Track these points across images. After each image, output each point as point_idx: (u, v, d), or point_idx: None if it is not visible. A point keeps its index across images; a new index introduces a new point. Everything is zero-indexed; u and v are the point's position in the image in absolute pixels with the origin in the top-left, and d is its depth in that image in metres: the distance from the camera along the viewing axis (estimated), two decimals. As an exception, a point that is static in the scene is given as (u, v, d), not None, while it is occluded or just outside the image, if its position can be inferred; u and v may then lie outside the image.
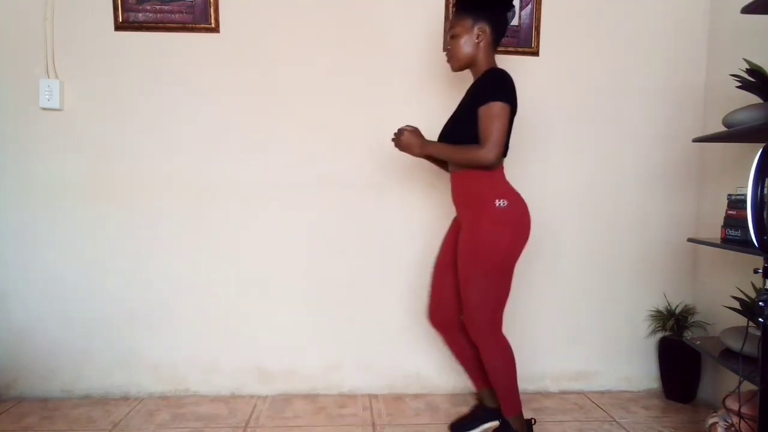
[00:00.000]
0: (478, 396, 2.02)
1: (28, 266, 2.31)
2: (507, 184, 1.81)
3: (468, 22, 1.78)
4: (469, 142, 1.71)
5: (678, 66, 2.45)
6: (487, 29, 1.78)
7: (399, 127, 1.85)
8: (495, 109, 1.66)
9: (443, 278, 1.93)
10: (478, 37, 1.78)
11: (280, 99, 2.34)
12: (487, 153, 1.66)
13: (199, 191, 2.34)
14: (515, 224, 1.76)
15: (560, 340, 2.49)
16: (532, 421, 1.92)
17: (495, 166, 1.72)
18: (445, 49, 1.86)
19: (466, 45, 1.79)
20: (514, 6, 1.84)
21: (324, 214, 2.38)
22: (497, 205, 1.72)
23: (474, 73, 1.85)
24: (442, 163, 1.99)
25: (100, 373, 2.34)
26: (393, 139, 1.85)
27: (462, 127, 1.76)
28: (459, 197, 1.85)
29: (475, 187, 1.77)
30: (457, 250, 1.82)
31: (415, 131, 1.82)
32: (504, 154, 1.78)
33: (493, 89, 1.70)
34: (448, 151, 1.78)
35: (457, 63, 1.83)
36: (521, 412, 1.86)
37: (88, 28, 2.28)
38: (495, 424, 1.93)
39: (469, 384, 2.38)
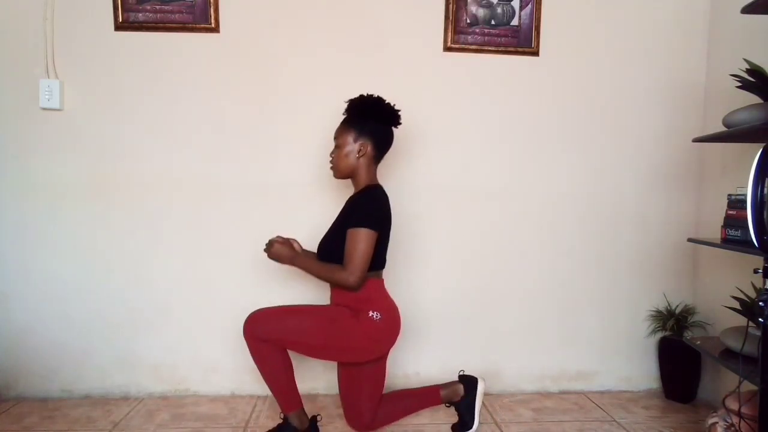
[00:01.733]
0: (446, 400, 1.98)
1: (28, 266, 2.31)
2: (382, 297, 1.83)
3: (351, 135, 1.80)
4: (339, 259, 1.73)
5: (678, 66, 2.45)
6: (369, 145, 1.80)
7: (270, 238, 1.87)
8: (360, 235, 1.68)
9: (350, 382, 1.90)
10: (359, 152, 1.80)
11: (280, 99, 2.34)
12: (347, 277, 1.69)
13: (199, 191, 2.34)
14: (378, 339, 1.79)
15: (560, 340, 2.49)
16: (318, 417, 1.91)
17: (357, 288, 1.73)
18: (330, 156, 1.89)
19: (348, 157, 1.81)
20: (399, 123, 1.85)
21: (324, 214, 2.37)
22: (370, 315, 1.75)
23: (354, 185, 1.87)
24: None
25: (100, 373, 2.34)
26: (264, 250, 1.87)
27: (334, 244, 1.77)
28: (336, 302, 1.86)
29: (350, 299, 1.78)
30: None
31: (285, 243, 1.86)
32: (380, 266, 1.82)
33: (361, 214, 1.73)
34: (314, 269, 1.80)
35: (338, 173, 1.87)
36: (298, 408, 1.84)
37: (88, 28, 2.28)
38: (478, 400, 1.95)
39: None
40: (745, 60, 1.78)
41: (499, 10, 2.36)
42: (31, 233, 2.31)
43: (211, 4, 2.27)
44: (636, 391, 2.51)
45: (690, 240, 2.07)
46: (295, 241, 1.92)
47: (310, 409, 2.24)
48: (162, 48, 2.30)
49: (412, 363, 2.43)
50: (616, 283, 2.49)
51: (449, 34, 2.35)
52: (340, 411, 2.21)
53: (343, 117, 1.86)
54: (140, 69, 2.30)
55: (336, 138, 1.85)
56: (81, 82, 2.29)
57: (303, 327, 1.75)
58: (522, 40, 2.38)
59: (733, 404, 1.63)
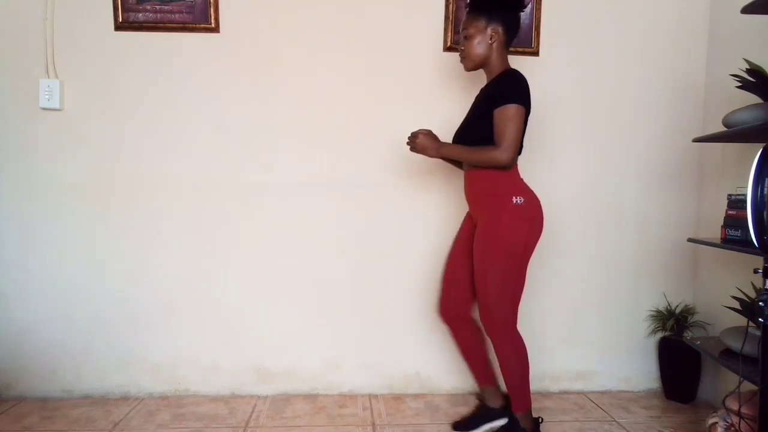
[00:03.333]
0: (480, 395, 2.02)
1: (28, 266, 2.31)
2: (522, 181, 1.85)
3: (481, 22, 1.80)
4: (484, 143, 1.75)
5: (678, 66, 2.44)
6: (500, 30, 1.81)
7: (413, 130, 1.88)
8: (510, 111, 1.71)
9: (456, 273, 1.96)
10: (491, 38, 1.81)
11: (280, 99, 2.34)
12: (502, 154, 1.71)
13: (199, 191, 2.34)
14: (531, 220, 1.80)
15: (560, 340, 2.49)
16: (540, 419, 1.93)
17: (510, 167, 1.77)
18: (459, 50, 1.89)
19: (480, 45, 1.82)
20: (526, 6, 1.87)
21: (324, 214, 2.38)
22: (515, 202, 1.76)
23: (487, 73, 1.88)
24: (456, 162, 2.03)
25: (100, 373, 2.34)
26: (408, 143, 1.88)
27: (478, 129, 1.80)
28: (475, 195, 1.88)
29: (492, 185, 1.80)
30: (472, 246, 1.84)
31: (429, 134, 1.86)
32: (519, 152, 1.82)
33: (508, 92, 1.74)
34: (464, 153, 1.82)
35: (470, 63, 1.87)
36: (530, 409, 1.88)
37: (88, 28, 2.28)
38: (498, 423, 1.93)
39: (469, 384, 2.39)
40: (745, 60, 1.78)
41: (499, 10, 2.36)
42: (31, 233, 2.31)
43: (211, 4, 2.27)
44: (636, 391, 2.51)
45: (690, 240, 2.07)
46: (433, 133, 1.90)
47: (311, 409, 2.24)
48: (162, 48, 2.30)
49: (412, 363, 2.43)
50: (616, 283, 2.49)
51: (449, 34, 2.35)
52: (341, 411, 2.22)
53: (467, 10, 1.87)
54: (140, 69, 2.30)
55: (465, 29, 1.84)
56: (81, 82, 2.29)
57: (501, 279, 1.78)
58: (521, 40, 2.37)
59: (733, 404, 1.63)
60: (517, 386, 1.84)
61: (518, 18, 1.86)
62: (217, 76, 2.32)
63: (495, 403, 1.97)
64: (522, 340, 1.85)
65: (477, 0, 1.84)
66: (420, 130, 1.87)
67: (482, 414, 1.99)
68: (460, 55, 1.90)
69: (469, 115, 1.89)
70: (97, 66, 2.29)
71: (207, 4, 2.28)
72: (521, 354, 1.84)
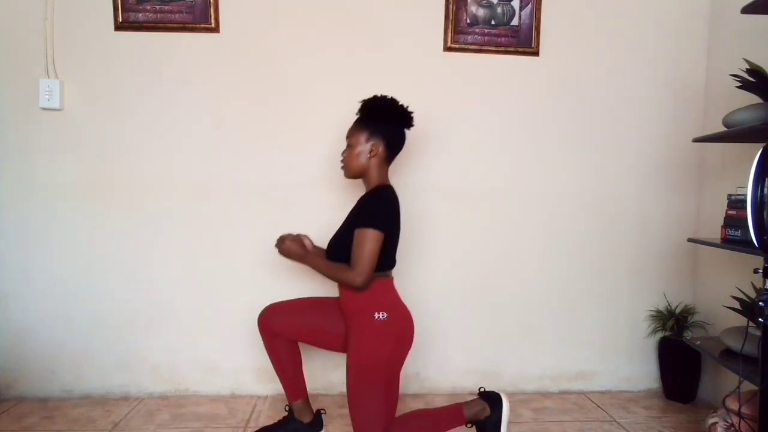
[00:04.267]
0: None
1: (28, 266, 2.31)
2: (388, 296, 1.80)
3: (364, 135, 1.79)
4: (348, 258, 1.72)
5: (678, 66, 2.45)
6: (381, 146, 1.79)
7: (281, 234, 1.88)
8: (367, 235, 1.67)
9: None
10: (370, 152, 1.79)
11: (280, 99, 2.34)
12: (355, 277, 1.68)
13: (199, 191, 2.34)
14: (395, 336, 1.76)
15: (560, 340, 2.49)
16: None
17: (364, 289, 1.72)
18: (341, 155, 1.88)
19: (359, 157, 1.80)
20: (412, 125, 1.85)
21: (324, 215, 2.37)
22: (377, 317, 1.73)
23: (365, 185, 1.86)
24: None
25: (100, 373, 2.34)
26: (276, 245, 1.87)
27: (342, 245, 1.77)
28: (343, 308, 1.85)
29: (355, 300, 1.77)
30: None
31: (296, 239, 1.86)
32: (389, 266, 1.80)
33: (369, 214, 1.72)
34: (323, 268, 1.80)
35: (349, 172, 1.85)
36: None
37: (88, 28, 2.28)
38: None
39: (469, 384, 2.40)
40: (745, 60, 1.78)
41: (499, 10, 2.36)
42: (31, 233, 2.30)
43: (211, 4, 2.27)
44: (636, 391, 2.51)
45: (690, 240, 2.07)
46: (306, 237, 1.91)
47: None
48: (162, 48, 2.30)
49: (412, 364, 2.42)
50: (616, 283, 2.49)
51: (449, 34, 2.35)
52: (340, 411, 2.22)
53: (356, 117, 1.85)
54: (140, 69, 2.30)
55: (348, 137, 1.85)
56: (81, 82, 2.29)
57: (371, 397, 1.73)
58: (522, 40, 2.38)
59: (733, 404, 1.63)
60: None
61: (403, 134, 1.84)
62: (217, 76, 2.32)
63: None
64: None
65: (362, 111, 1.83)
66: (287, 234, 1.87)
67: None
68: (341, 162, 1.87)
69: (342, 225, 1.86)
70: (97, 66, 2.29)
71: (207, 4, 2.28)
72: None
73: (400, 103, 1.84)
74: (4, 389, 2.32)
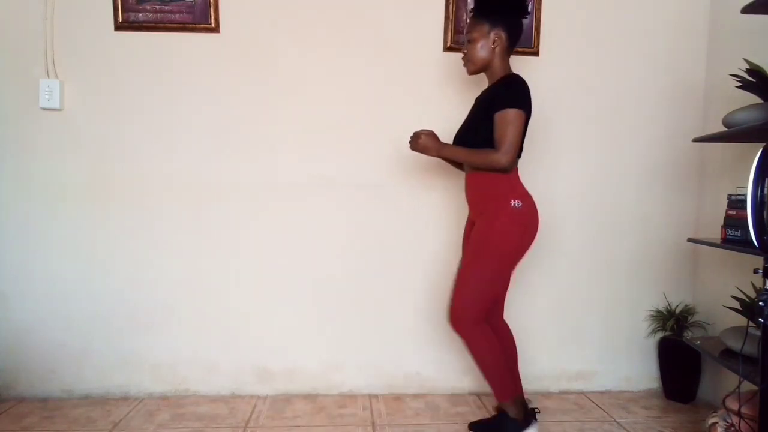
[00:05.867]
0: (499, 408, 1.94)
1: (28, 266, 2.31)
2: (521, 185, 1.86)
3: (485, 27, 1.82)
4: (484, 145, 1.78)
5: (678, 66, 2.45)
6: (503, 35, 1.83)
7: (415, 130, 1.90)
8: (510, 115, 1.73)
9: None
10: (494, 42, 1.83)
11: (280, 99, 2.34)
12: (501, 157, 1.73)
13: (199, 191, 2.34)
14: (526, 224, 1.83)
15: (560, 340, 2.49)
16: (536, 410, 1.93)
17: (509, 170, 1.79)
18: (462, 53, 1.91)
19: (483, 49, 1.84)
20: (529, 12, 1.90)
21: (324, 215, 2.38)
22: (512, 205, 1.78)
23: (489, 77, 1.90)
24: (457, 164, 2.04)
25: (100, 373, 2.34)
26: (410, 142, 1.90)
27: (478, 131, 1.82)
28: (474, 197, 1.90)
29: (491, 187, 1.82)
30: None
31: (431, 134, 1.88)
32: (518, 156, 1.84)
33: (509, 96, 1.77)
34: (464, 155, 1.84)
35: (473, 66, 1.89)
36: (518, 396, 1.87)
37: (88, 28, 2.28)
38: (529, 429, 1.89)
39: (469, 384, 2.40)
40: (745, 60, 1.78)
41: (499, 10, 2.36)
42: (31, 233, 2.30)
43: (211, 4, 2.27)
44: (636, 391, 2.51)
45: (690, 240, 2.07)
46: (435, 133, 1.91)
47: (311, 409, 2.24)
48: (162, 48, 2.30)
49: (413, 363, 2.43)
50: (616, 283, 2.49)
51: (449, 34, 2.35)
52: (342, 411, 2.22)
53: (471, 14, 1.89)
54: (140, 69, 2.30)
55: (468, 32, 1.87)
56: (81, 82, 2.29)
57: (483, 280, 1.81)
58: (522, 41, 2.36)
59: (733, 404, 1.63)
60: (497, 376, 1.84)
61: (521, 24, 1.88)
62: (217, 76, 2.32)
63: (515, 412, 1.88)
64: (490, 333, 1.84)
65: (481, 5, 1.85)
66: (422, 130, 1.89)
67: (504, 423, 1.90)
68: (463, 58, 1.91)
69: (470, 117, 1.91)
70: (97, 66, 2.29)
71: (207, 4, 2.28)
72: (493, 345, 1.84)
73: None
74: (4, 389, 2.32)
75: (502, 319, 2.02)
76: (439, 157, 1.90)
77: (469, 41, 1.86)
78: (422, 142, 1.86)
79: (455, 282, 1.93)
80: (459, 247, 2.45)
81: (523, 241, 1.83)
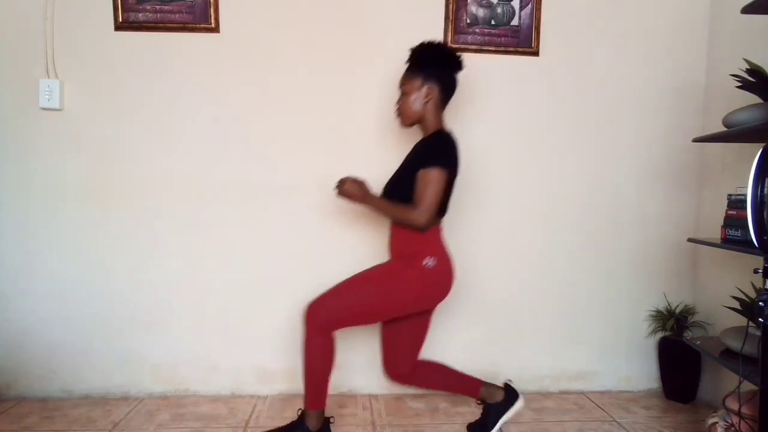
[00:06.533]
0: (480, 400, 1.98)
1: (28, 266, 2.31)
2: (440, 244, 1.85)
3: (417, 80, 1.81)
4: (407, 200, 1.76)
5: (678, 66, 2.45)
6: (436, 89, 1.82)
7: (342, 177, 1.87)
8: (432, 175, 1.72)
9: (394, 330, 1.91)
10: (426, 96, 1.81)
11: (280, 99, 2.34)
12: (418, 216, 1.72)
13: (199, 191, 2.34)
14: (433, 285, 1.82)
15: (560, 340, 2.49)
16: (330, 419, 1.90)
17: (425, 229, 1.76)
18: (395, 105, 1.90)
19: (415, 103, 1.83)
20: (463, 67, 1.88)
21: (324, 215, 2.38)
22: (424, 263, 1.77)
23: (423, 130, 1.88)
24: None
25: (100, 373, 2.34)
26: (336, 187, 1.87)
27: (401, 187, 1.80)
28: (393, 249, 1.89)
29: (408, 243, 1.81)
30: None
31: (356, 181, 1.85)
32: (442, 214, 1.83)
33: (433, 155, 1.76)
34: (385, 208, 1.83)
35: (406, 120, 1.87)
36: (322, 409, 1.85)
37: (88, 28, 2.28)
38: (510, 413, 1.91)
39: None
40: (745, 60, 1.78)
41: (499, 10, 2.36)
42: (31, 233, 2.30)
43: (211, 4, 2.27)
44: (636, 391, 2.51)
45: (690, 240, 2.07)
46: (365, 182, 1.89)
47: (310, 409, 2.24)
48: (162, 48, 2.30)
49: (412, 363, 2.43)
50: (616, 283, 2.49)
51: (449, 34, 2.35)
52: (341, 411, 2.22)
53: (407, 65, 1.87)
54: (140, 69, 2.30)
55: (402, 85, 1.86)
56: (81, 82, 2.29)
57: (361, 301, 1.79)
58: (522, 40, 2.38)
59: (733, 404, 1.63)
60: (317, 386, 1.82)
61: (455, 78, 1.87)
62: (217, 77, 2.32)
63: (497, 397, 1.94)
64: (332, 344, 1.80)
65: (414, 58, 1.84)
66: (348, 176, 1.87)
67: (491, 412, 1.95)
68: (395, 111, 1.89)
69: (399, 169, 1.88)
70: (97, 66, 2.29)
71: (207, 4, 2.28)
72: (330, 357, 1.80)
73: (449, 47, 1.87)
74: (4, 389, 2.32)
75: (416, 363, 1.93)
76: (363, 204, 1.85)
77: (401, 94, 1.86)
78: (347, 188, 1.83)
79: (385, 336, 1.90)
80: (459, 248, 2.45)
81: (419, 301, 1.82)
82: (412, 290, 1.79)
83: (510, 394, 1.94)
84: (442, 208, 1.81)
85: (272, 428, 1.91)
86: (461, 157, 1.82)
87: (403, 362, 1.91)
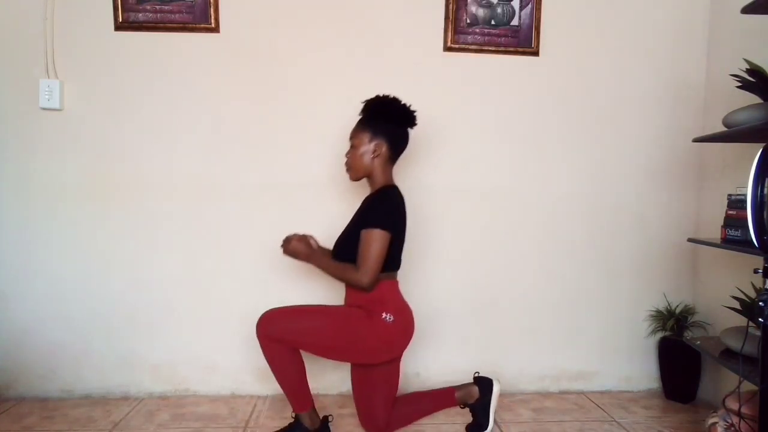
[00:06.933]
0: (461, 402, 1.97)
1: (28, 266, 2.31)
2: (394, 297, 1.83)
3: (366, 135, 1.81)
4: (355, 258, 1.73)
5: (678, 66, 2.45)
6: (385, 145, 1.80)
7: (287, 235, 1.87)
8: (372, 235, 1.69)
9: (365, 383, 1.90)
10: (374, 152, 1.80)
11: (280, 99, 2.34)
12: (361, 277, 1.70)
13: (199, 191, 2.34)
14: (390, 341, 1.80)
15: (560, 340, 2.49)
16: (329, 417, 1.90)
17: (370, 289, 1.74)
18: (345, 158, 1.88)
19: (363, 157, 1.81)
20: (415, 124, 1.86)
21: (324, 215, 2.37)
22: (384, 318, 1.75)
23: (370, 185, 1.87)
24: None
25: (100, 373, 2.34)
26: (282, 245, 1.86)
27: (350, 245, 1.77)
28: (349, 301, 1.86)
29: (363, 301, 1.78)
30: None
31: (303, 239, 1.85)
32: (395, 267, 1.82)
33: (375, 215, 1.74)
34: (329, 268, 1.81)
35: (354, 173, 1.86)
36: (313, 407, 1.85)
37: (88, 28, 2.28)
38: (493, 403, 1.92)
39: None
40: (745, 60, 1.78)
41: (499, 10, 2.37)
42: (31, 233, 2.30)
43: (211, 4, 2.27)
44: (636, 391, 2.51)
45: (690, 240, 2.07)
46: (312, 237, 1.91)
47: (310, 409, 2.24)
48: (162, 48, 2.30)
49: (412, 363, 2.43)
50: (616, 283, 2.49)
51: (449, 34, 2.35)
52: (341, 411, 2.22)
53: (359, 117, 1.85)
54: (140, 69, 2.30)
55: (351, 138, 1.85)
56: (81, 82, 2.29)
57: (316, 327, 1.75)
58: (522, 40, 2.38)
59: (733, 404, 1.63)
60: (293, 389, 1.81)
61: (406, 133, 1.85)
62: (217, 76, 2.32)
63: (475, 394, 1.94)
64: (286, 348, 1.76)
65: (365, 111, 1.83)
66: (294, 234, 1.86)
67: (477, 407, 1.96)
68: (345, 164, 1.88)
69: (347, 226, 1.86)
70: (97, 66, 2.29)
71: (207, 4, 2.28)
72: (291, 359, 1.77)
73: (402, 102, 1.84)
74: (4, 389, 2.32)
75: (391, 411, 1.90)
76: (309, 263, 1.84)
77: (351, 147, 1.84)
78: (292, 247, 1.82)
79: (355, 391, 1.89)
80: (460, 248, 2.46)
81: (382, 351, 1.79)
82: (370, 340, 1.76)
83: (484, 385, 1.93)
84: (393, 263, 1.79)
85: (274, 430, 1.91)
86: (406, 213, 1.81)
87: (380, 413, 1.87)
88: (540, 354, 2.48)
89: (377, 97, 1.85)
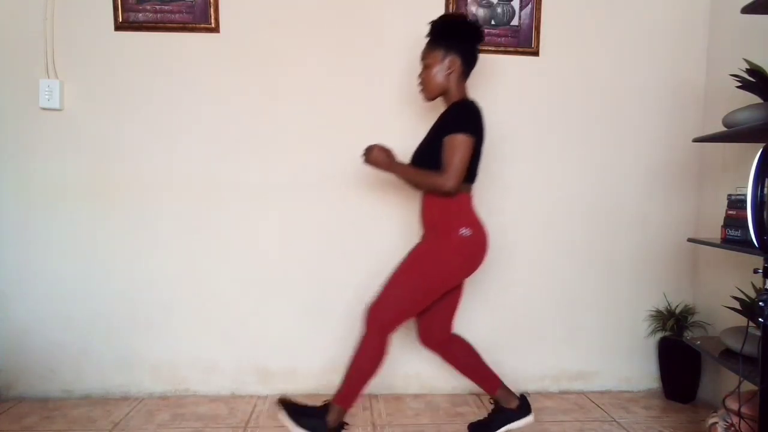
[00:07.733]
0: (496, 396, 1.97)
1: (28, 266, 2.31)
2: (473, 213, 1.85)
3: (439, 53, 1.82)
4: (434, 168, 1.76)
5: (678, 66, 2.45)
6: (458, 61, 1.82)
7: (369, 144, 1.87)
8: (457, 140, 1.72)
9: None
10: (449, 68, 1.82)
11: (280, 99, 2.34)
12: (445, 181, 1.72)
13: (199, 191, 2.34)
14: (470, 255, 1.83)
15: (560, 340, 2.49)
16: (346, 425, 1.89)
17: (453, 194, 1.76)
18: (418, 79, 1.90)
19: (438, 75, 1.83)
20: (484, 39, 1.90)
21: (325, 215, 2.38)
22: (461, 233, 1.78)
23: (446, 102, 1.89)
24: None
25: (100, 373, 2.34)
26: (363, 155, 1.87)
27: (429, 154, 1.80)
28: (426, 219, 1.88)
29: (443, 212, 1.81)
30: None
31: (384, 149, 1.86)
32: (471, 180, 1.83)
33: (458, 121, 1.76)
34: (411, 174, 1.83)
35: (429, 93, 1.88)
36: (348, 409, 1.85)
37: (88, 28, 2.28)
38: (516, 425, 1.91)
39: (469, 384, 2.39)
40: (745, 60, 1.78)
41: (499, 10, 2.37)
42: (31, 233, 2.30)
43: (211, 4, 2.27)
44: (636, 391, 2.51)
45: (690, 240, 2.07)
46: (392, 149, 1.89)
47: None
48: (162, 48, 2.30)
49: (412, 364, 2.43)
50: (616, 283, 2.49)
51: (449, 34, 2.35)
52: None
53: (427, 39, 1.87)
54: (140, 69, 2.30)
55: (424, 58, 1.87)
56: (81, 82, 2.29)
57: (411, 290, 1.79)
58: (522, 40, 2.38)
59: (733, 404, 1.63)
60: (354, 385, 1.81)
61: (476, 49, 1.87)
62: (217, 76, 2.32)
63: (512, 404, 1.93)
64: (386, 350, 1.80)
65: (435, 30, 1.85)
66: (376, 144, 1.87)
67: (499, 417, 1.93)
68: (419, 84, 1.90)
69: (425, 138, 1.89)
70: (97, 66, 2.29)
71: (207, 4, 2.28)
72: (379, 360, 1.80)
73: (468, 18, 1.87)
74: (4, 389, 2.32)
75: (450, 334, 1.97)
76: (390, 172, 1.87)
77: (424, 67, 1.86)
78: (374, 156, 1.84)
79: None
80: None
81: (463, 270, 1.84)
82: (454, 262, 1.80)
83: (524, 406, 1.93)
84: (471, 174, 1.80)
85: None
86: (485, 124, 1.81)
87: (438, 332, 1.93)
88: (540, 354, 2.48)
89: (443, 15, 1.88)
